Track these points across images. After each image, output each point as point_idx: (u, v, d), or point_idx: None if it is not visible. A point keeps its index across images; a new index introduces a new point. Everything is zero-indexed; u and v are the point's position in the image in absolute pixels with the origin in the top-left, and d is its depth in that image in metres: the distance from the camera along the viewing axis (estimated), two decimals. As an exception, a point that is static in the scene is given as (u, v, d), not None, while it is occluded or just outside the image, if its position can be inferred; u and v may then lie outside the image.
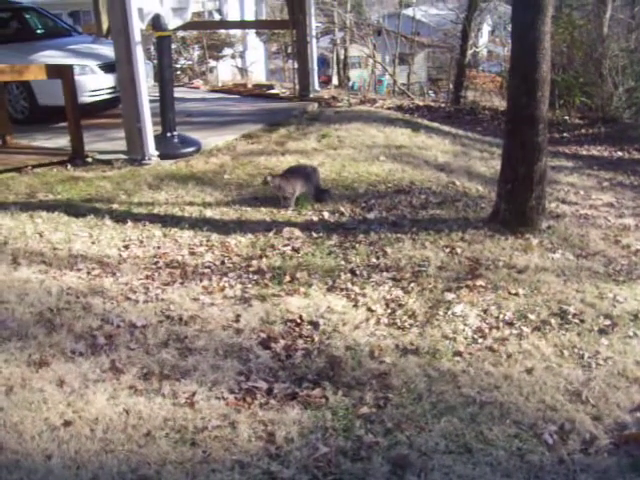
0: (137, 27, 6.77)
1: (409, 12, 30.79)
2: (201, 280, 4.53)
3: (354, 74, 27.40)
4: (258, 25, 17.65)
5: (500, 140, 10.11)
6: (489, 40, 29.83)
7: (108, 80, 8.96)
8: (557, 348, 3.95)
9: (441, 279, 4.73)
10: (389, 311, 4.28)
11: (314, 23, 10.53)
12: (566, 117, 11.88)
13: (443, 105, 13.41)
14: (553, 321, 4.25)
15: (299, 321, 4.03)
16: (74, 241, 5.12)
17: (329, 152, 7.76)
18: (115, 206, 5.95)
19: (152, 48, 12.38)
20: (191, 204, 6.09)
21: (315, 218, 5.90)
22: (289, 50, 26.25)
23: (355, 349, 3.77)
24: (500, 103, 14.35)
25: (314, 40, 10.56)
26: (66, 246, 5.02)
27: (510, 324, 4.21)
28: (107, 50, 9.11)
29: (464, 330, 4.10)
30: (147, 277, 4.56)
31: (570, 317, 4.30)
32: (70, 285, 4.31)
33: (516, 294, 4.59)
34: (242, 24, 16.84)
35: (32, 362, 3.43)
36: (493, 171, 7.87)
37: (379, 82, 24.62)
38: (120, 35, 6.88)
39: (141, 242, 5.20)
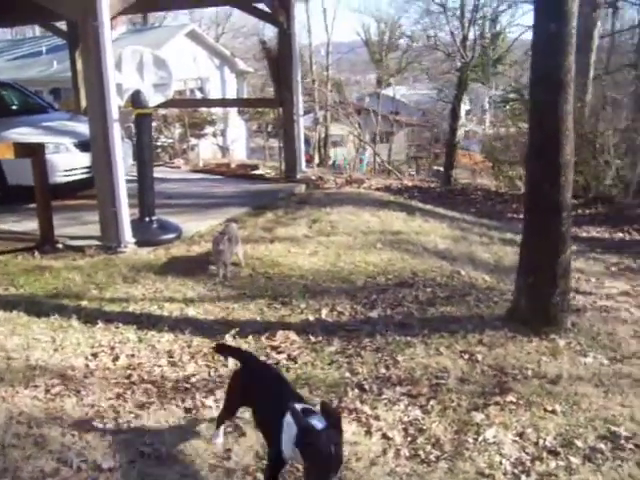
0: (115, 104, 6.25)
1: (389, 92, 31.14)
2: (183, 400, 3.79)
3: (335, 152, 27.33)
4: (245, 103, 17.45)
5: (497, 223, 9.72)
6: (466, 119, 30.07)
7: (84, 159, 8.36)
8: (617, 486, 3.26)
9: (464, 394, 4.04)
10: (409, 439, 3.56)
11: (301, 102, 10.12)
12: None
13: (433, 185, 13.03)
14: (603, 447, 3.57)
15: (303, 455, 3.30)
16: (33, 348, 4.38)
17: (321, 239, 7.15)
18: (84, 303, 5.24)
19: (132, 126, 11.93)
20: (171, 300, 5.40)
21: (311, 317, 5.21)
22: (269, 128, 26.22)
23: (375, 496, 3.05)
24: (491, 183, 14.06)
25: (301, 119, 10.13)
26: (23, 354, 4.28)
27: (554, 453, 3.51)
28: (84, 127, 8.54)
29: (501, 463, 3.39)
30: (118, 396, 3.81)
31: (623, 442, 3.61)
32: (23, 409, 3.55)
33: (553, 412, 3.91)
34: (230, 102, 16.59)
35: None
36: (496, 257, 7.36)
37: (359, 161, 24.49)
38: (96, 112, 6.34)
39: (112, 349, 4.47)
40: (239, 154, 21.27)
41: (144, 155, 6.97)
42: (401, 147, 29.89)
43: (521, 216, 10.71)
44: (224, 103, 16.53)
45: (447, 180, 13.21)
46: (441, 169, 23.54)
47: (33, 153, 6.81)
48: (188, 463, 3.18)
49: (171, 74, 6.92)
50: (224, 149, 19.80)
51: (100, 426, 3.45)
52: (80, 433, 3.37)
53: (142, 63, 6.68)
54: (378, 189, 11.38)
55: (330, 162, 24.07)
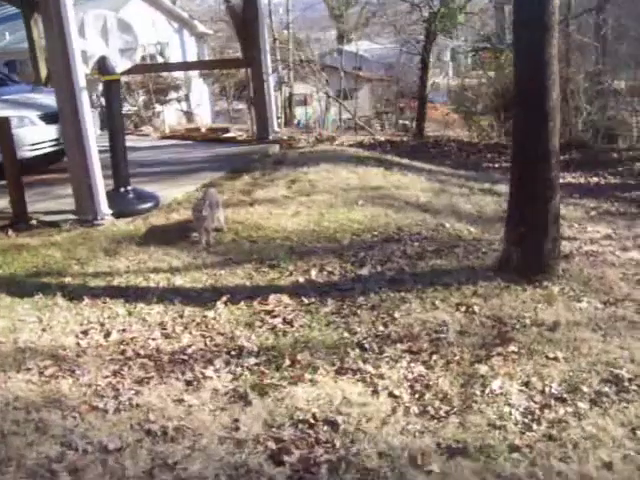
0: (81, 72, 5.99)
1: (351, 48, 30.67)
2: (182, 372, 3.69)
3: (298, 112, 26.96)
4: (213, 65, 17.02)
5: (474, 173, 9.65)
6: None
7: (50, 132, 8.09)
8: (626, 428, 3.25)
9: (466, 347, 4.00)
10: (417, 396, 3.52)
11: (269, 61, 9.87)
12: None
13: (405, 139, 12.89)
14: (608, 390, 3.57)
15: (312, 421, 3.23)
16: (20, 330, 4.22)
17: (302, 199, 7.02)
18: (68, 280, 5.07)
19: (95, 95, 11.56)
20: (156, 271, 5.26)
21: (301, 279, 5.12)
22: (232, 91, 25.75)
23: (391, 455, 2.99)
24: (462, 133, 13.95)
25: (271, 78, 9.90)
26: (10, 337, 4.12)
27: (561, 399, 3.50)
28: (48, 99, 8.26)
29: (511, 413, 3.37)
30: (115, 373, 3.69)
31: (626, 384, 3.63)
32: (18, 394, 3.41)
33: (555, 358, 3.89)
34: (196, 65, 16.19)
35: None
36: (478, 208, 7.32)
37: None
38: (62, 82, 6.07)
39: (102, 325, 4.33)
40: (204, 118, 20.88)
41: (115, 123, 6.74)
42: (366, 103, 29.59)
43: (496, 165, 10.81)
44: (191, 66, 16.19)
45: (419, 133, 13.03)
46: (407, 123, 23.37)
47: (-3, 128, 6.52)
48: (196, 437, 3.08)
49: (137, 38, 6.66)
50: (189, 114, 19.40)
51: (101, 405, 3.34)
52: (81, 414, 3.26)
53: (106, 27, 6.40)
54: (351, 145, 11.23)
55: (295, 121, 23.75)
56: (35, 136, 8.07)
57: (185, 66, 15.46)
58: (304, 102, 28.34)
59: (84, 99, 6.04)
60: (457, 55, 20.12)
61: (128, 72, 7.51)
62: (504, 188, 8.19)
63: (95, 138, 6.28)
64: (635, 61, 13.34)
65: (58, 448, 2.97)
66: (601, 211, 7.71)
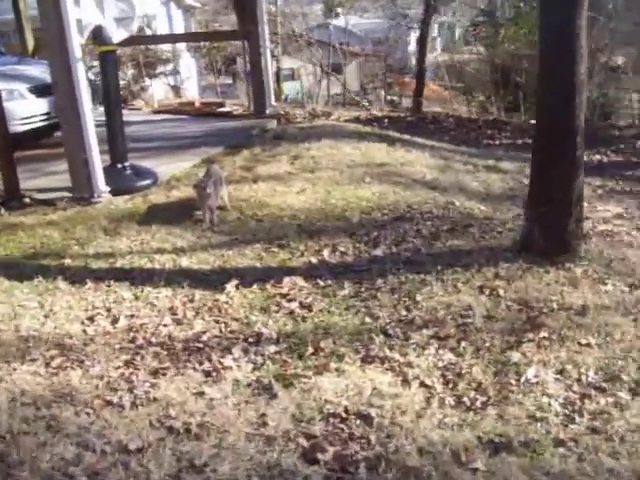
0: (77, 41, 5.67)
1: (339, 22, 30.18)
2: (199, 362, 3.45)
3: (287, 86, 26.58)
4: (207, 37, 16.69)
5: (476, 150, 9.45)
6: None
7: (41, 105, 7.74)
8: (672, 420, 3.08)
9: (495, 333, 3.81)
10: (450, 385, 3.32)
11: (267, 33, 9.54)
12: (533, 121, 11.26)
13: (403, 115, 12.62)
14: (648, 379, 3.40)
15: (344, 414, 3.02)
16: (21, 316, 3.96)
17: (307, 176, 6.78)
18: (68, 261, 4.81)
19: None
20: (160, 251, 5.01)
21: (314, 260, 4.90)
22: (219, 66, 25.26)
23: (431, 452, 2.78)
24: (451, 109, 13.70)
25: (268, 51, 9.58)
26: (11, 324, 3.86)
27: (600, 389, 3.32)
28: (37, 71, 7.93)
29: (550, 404, 3.18)
30: (127, 364, 3.44)
31: (666, 372, 3.46)
32: (25, 388, 3.15)
33: (588, 345, 3.71)
34: (190, 37, 15.85)
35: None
36: (485, 185, 7.14)
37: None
38: (56, 52, 5.76)
39: (109, 310, 4.08)
40: (191, 93, 20.46)
41: (111, 96, 6.43)
42: (354, 79, 29.22)
43: (497, 142, 10.59)
44: (186, 38, 15.83)
45: (417, 108, 12.77)
46: (395, 98, 23.11)
47: (-13, 101, 6.20)
48: (222, 434, 2.85)
49: (133, 6, 6.34)
50: (176, 88, 18.98)
51: (116, 400, 3.09)
52: (95, 410, 3.00)
53: (101, -5, 6.09)
54: (347, 121, 10.95)
55: (283, 97, 23.42)
56: (25, 110, 7.71)
57: (180, 38, 15.15)
58: (292, 77, 27.95)
59: (80, 70, 5.74)
60: (451, 30, 19.78)
61: (124, 43, 7.18)
62: (509, 165, 8.04)
63: (91, 111, 5.99)
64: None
65: (74, 449, 2.71)
66: (607, 189, 7.56)
